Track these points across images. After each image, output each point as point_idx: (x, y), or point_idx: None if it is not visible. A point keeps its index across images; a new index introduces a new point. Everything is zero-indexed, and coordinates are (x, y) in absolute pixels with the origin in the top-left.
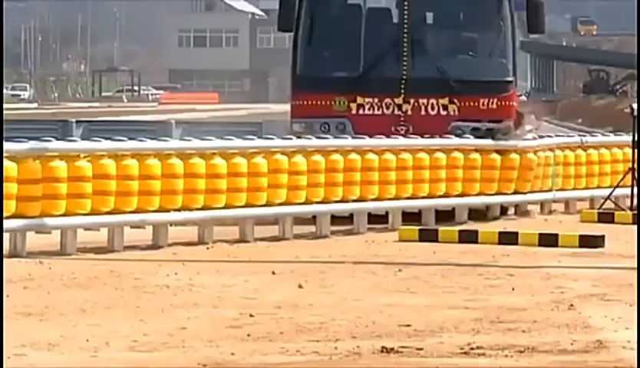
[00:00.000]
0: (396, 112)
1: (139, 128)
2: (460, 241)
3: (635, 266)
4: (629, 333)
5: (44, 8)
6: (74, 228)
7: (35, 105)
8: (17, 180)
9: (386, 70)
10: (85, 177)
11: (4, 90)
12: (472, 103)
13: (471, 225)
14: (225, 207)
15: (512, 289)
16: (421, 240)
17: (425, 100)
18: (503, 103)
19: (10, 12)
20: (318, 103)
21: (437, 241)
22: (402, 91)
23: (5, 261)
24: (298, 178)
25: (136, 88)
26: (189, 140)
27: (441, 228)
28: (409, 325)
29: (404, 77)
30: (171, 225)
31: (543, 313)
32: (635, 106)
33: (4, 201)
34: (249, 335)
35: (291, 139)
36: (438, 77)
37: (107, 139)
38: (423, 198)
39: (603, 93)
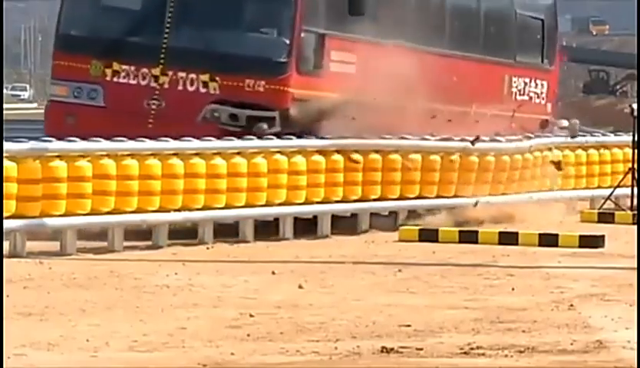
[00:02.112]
0: (152, 84)
1: None
2: (460, 241)
3: (635, 266)
4: (629, 333)
5: (44, 8)
6: (74, 228)
7: (35, 105)
8: (17, 180)
9: (146, 36)
10: (85, 177)
11: (5, 90)
12: (235, 83)
13: (470, 226)
14: (225, 207)
15: (512, 289)
16: (421, 240)
17: (184, 74)
18: (274, 87)
19: (10, 12)
20: (76, 65)
21: (437, 241)
22: (161, 61)
23: (5, 261)
24: (298, 178)
25: None
26: (189, 140)
27: (441, 228)
28: (409, 325)
29: (164, 45)
30: (171, 226)
31: (543, 313)
32: (634, 106)
33: (4, 201)
34: (248, 335)
35: (290, 139)
36: (200, 49)
37: (106, 139)
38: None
39: (603, 93)
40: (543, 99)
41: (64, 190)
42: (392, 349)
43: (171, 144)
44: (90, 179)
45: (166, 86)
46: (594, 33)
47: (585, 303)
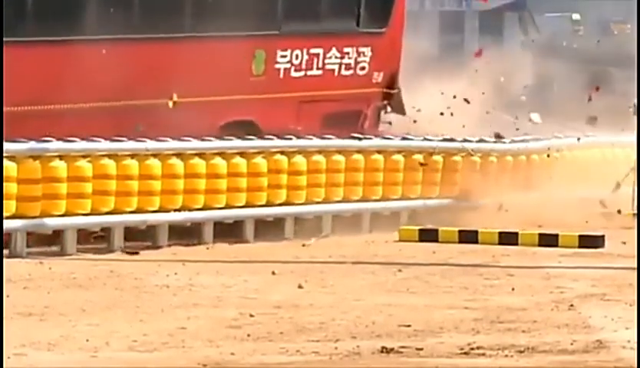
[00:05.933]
0: None
1: None
2: (460, 241)
3: (635, 266)
4: (629, 333)
5: None
6: (74, 228)
7: None
8: (17, 180)
9: None
10: (85, 177)
11: None
12: None
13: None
14: (225, 207)
15: (512, 289)
16: (421, 240)
17: None
18: None
19: None
20: None
21: (437, 241)
22: None
23: (5, 261)
24: (298, 178)
25: None
26: (189, 140)
27: (441, 228)
28: (409, 325)
29: None
30: (171, 226)
31: (543, 313)
32: (636, 103)
33: (4, 201)
34: (249, 335)
35: (291, 139)
36: None
37: (106, 139)
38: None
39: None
40: (363, 69)
41: (64, 190)
42: (392, 349)
43: (171, 144)
44: (90, 179)
45: None
46: (615, 32)
47: (585, 303)
